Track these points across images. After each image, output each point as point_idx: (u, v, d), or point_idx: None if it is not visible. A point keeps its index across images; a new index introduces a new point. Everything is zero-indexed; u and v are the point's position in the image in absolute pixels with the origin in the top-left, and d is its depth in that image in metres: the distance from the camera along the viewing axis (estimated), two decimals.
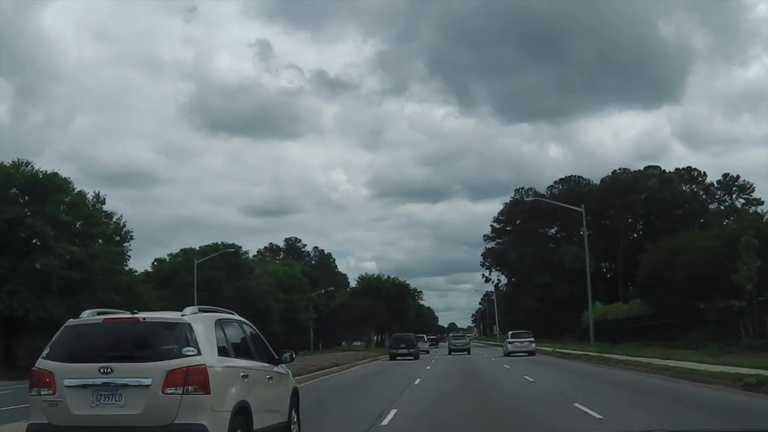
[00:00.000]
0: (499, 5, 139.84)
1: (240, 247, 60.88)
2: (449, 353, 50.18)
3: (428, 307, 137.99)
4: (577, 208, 40.00)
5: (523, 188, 78.93)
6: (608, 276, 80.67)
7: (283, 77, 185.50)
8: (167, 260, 61.29)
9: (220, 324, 7.34)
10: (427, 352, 55.18)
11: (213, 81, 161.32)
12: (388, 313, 68.52)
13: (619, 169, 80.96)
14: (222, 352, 7.00)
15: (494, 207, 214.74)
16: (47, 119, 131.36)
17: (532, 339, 42.92)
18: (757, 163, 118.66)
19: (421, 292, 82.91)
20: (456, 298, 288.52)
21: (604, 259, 77.33)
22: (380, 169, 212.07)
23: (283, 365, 9.03)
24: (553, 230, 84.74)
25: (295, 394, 9.33)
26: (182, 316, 6.90)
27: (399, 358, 41.65)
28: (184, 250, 61.36)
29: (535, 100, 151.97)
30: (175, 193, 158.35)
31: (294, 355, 9.67)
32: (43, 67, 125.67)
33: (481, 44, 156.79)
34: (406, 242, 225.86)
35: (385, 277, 78.86)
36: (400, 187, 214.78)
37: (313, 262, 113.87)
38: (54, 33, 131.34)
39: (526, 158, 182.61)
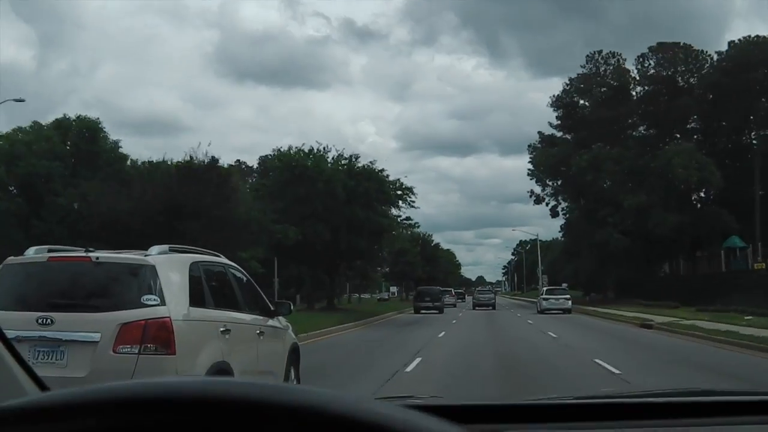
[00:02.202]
0: None
1: (96, 119, 37.18)
2: (473, 308, 53.18)
3: (447, 250, 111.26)
4: None
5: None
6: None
7: (310, 26, 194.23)
8: None
9: (197, 268, 6.54)
10: (454, 305, 59.34)
11: (238, 29, 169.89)
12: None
13: (742, 38, 54.90)
14: (196, 301, 6.18)
15: (524, 162, 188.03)
16: (71, 67, 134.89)
17: (568, 296, 43.90)
18: None
19: (411, 189, 41.41)
20: (484, 252, 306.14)
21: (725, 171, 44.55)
22: (408, 121, 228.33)
23: (281, 318, 8.40)
24: (642, 129, 60.09)
25: (295, 351, 8.80)
26: (146, 256, 6.05)
27: (423, 311, 44.01)
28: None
29: (567, 55, 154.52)
30: (201, 142, 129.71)
31: (293, 307, 9.38)
32: (67, 15, 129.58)
33: None
34: (435, 196, 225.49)
35: (325, 150, 40.79)
36: (428, 141, 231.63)
37: None
38: None
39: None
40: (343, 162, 39.73)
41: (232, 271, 7.49)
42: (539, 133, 60.25)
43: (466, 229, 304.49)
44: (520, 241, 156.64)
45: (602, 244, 49.19)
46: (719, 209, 49.71)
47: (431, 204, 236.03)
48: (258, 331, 7.33)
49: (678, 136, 56.55)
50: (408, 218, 44.73)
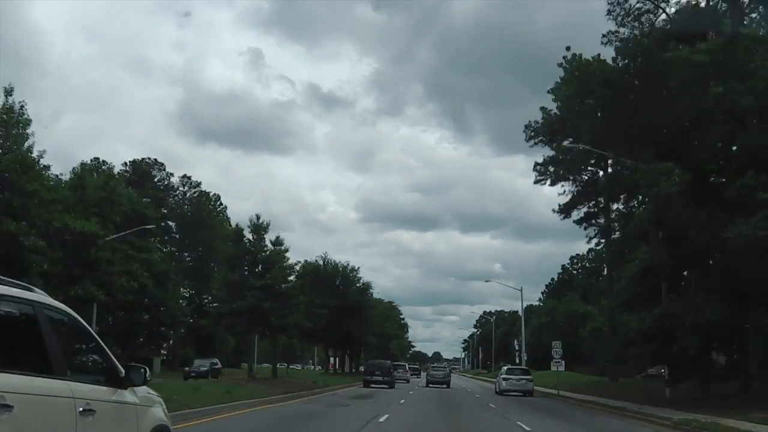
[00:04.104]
0: (499, 33, 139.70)
1: None
2: (427, 385, 52.50)
3: (389, 303, 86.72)
4: None
5: None
6: None
7: (275, 89, 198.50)
8: None
9: None
10: (407, 381, 60.23)
11: (202, 88, 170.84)
12: None
13: None
14: None
15: (485, 240, 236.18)
16: (33, 115, 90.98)
17: (531, 377, 41.54)
18: None
19: None
20: (441, 329, 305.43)
21: None
22: (370, 192, 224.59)
23: (139, 389, 6.07)
24: None
25: None
26: None
27: (373, 385, 43.90)
28: None
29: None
30: None
31: (148, 373, 6.25)
32: (29, 61, 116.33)
33: (479, 71, 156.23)
34: (393, 270, 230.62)
35: None
36: (389, 213, 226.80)
37: (186, 209, 74.23)
38: (43, 26, 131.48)
39: (520, 192, 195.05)
40: None
41: (48, 313, 5.07)
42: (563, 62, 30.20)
43: (424, 305, 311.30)
44: (484, 311, 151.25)
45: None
46: None
47: (389, 277, 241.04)
48: (82, 408, 4.98)
49: None
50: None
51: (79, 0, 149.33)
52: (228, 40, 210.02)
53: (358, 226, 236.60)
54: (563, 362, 41.57)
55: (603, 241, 49.90)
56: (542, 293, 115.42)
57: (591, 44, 43.18)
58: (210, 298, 78.20)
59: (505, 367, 47.42)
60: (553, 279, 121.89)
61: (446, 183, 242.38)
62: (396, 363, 60.10)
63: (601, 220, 50.78)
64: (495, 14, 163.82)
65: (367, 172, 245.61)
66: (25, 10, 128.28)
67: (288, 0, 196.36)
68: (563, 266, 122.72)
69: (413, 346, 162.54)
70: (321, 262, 57.81)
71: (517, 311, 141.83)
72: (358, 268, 61.67)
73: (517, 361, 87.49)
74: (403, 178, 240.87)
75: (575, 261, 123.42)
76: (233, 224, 35.45)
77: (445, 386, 49.97)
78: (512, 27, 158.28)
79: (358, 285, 59.60)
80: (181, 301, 68.97)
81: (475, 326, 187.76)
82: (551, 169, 51.29)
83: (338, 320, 53.04)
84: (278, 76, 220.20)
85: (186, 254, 76.54)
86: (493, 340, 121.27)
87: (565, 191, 47.15)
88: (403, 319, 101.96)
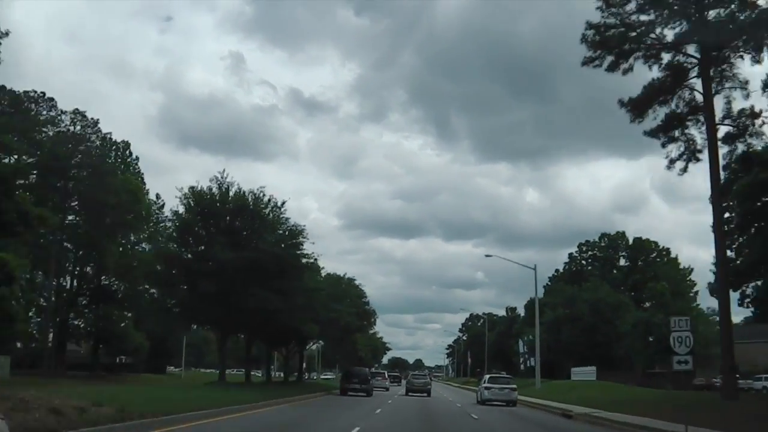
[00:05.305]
0: (484, 38, 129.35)
1: None
2: (406, 393, 51.72)
3: (350, 280, 69.24)
4: None
5: None
6: None
7: (256, 94, 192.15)
8: None
9: None
10: (386, 389, 60.81)
11: (183, 93, 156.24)
12: None
13: None
14: None
15: (467, 248, 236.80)
16: None
17: (515, 386, 40.89)
18: None
19: None
20: (424, 337, 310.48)
21: None
22: (352, 199, 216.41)
23: None
24: None
25: None
26: None
27: (351, 393, 42.97)
28: None
29: (516, 138, 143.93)
30: None
31: None
32: (8, 63, 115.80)
33: (463, 76, 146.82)
34: (376, 277, 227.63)
35: None
36: (372, 220, 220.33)
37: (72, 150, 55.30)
38: (23, 28, 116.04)
39: (504, 200, 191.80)
40: None
41: None
42: None
43: (407, 313, 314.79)
44: (471, 314, 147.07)
45: None
46: None
47: (373, 285, 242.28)
48: None
49: None
50: None
51: (59, 2, 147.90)
52: (209, 45, 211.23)
53: (340, 233, 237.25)
54: (690, 360, 22.49)
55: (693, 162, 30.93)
56: (544, 286, 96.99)
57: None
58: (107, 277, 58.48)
59: (487, 376, 46.62)
60: (557, 270, 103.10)
61: (429, 190, 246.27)
62: (374, 371, 62.55)
63: (690, 131, 31.68)
64: (478, 19, 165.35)
65: (350, 179, 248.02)
66: (4, 11, 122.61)
67: (270, 5, 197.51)
68: (570, 255, 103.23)
69: (389, 348, 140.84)
70: (215, 189, 35.73)
71: (515, 308, 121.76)
72: (284, 202, 40.57)
73: (522, 368, 69.60)
74: (386, 185, 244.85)
75: (584, 249, 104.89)
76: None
77: (425, 395, 49.32)
78: (496, 32, 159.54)
79: (280, 231, 36.78)
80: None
81: (460, 330, 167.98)
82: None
83: (241, 288, 31.52)
84: (260, 81, 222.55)
85: (76, 217, 56.72)
86: (486, 343, 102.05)
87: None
88: (368, 303, 72.95)
